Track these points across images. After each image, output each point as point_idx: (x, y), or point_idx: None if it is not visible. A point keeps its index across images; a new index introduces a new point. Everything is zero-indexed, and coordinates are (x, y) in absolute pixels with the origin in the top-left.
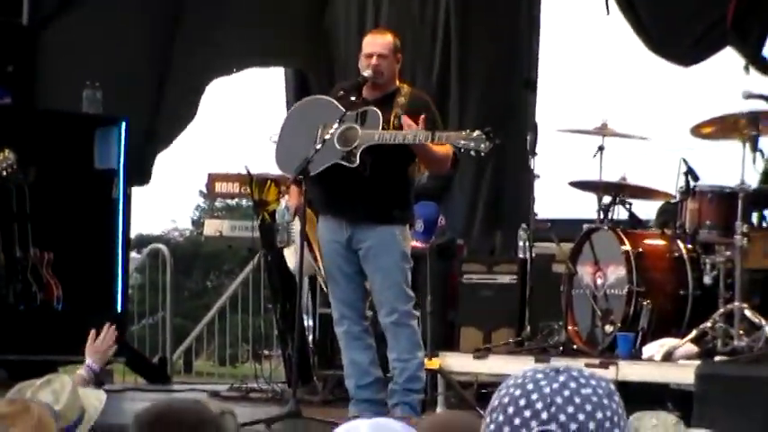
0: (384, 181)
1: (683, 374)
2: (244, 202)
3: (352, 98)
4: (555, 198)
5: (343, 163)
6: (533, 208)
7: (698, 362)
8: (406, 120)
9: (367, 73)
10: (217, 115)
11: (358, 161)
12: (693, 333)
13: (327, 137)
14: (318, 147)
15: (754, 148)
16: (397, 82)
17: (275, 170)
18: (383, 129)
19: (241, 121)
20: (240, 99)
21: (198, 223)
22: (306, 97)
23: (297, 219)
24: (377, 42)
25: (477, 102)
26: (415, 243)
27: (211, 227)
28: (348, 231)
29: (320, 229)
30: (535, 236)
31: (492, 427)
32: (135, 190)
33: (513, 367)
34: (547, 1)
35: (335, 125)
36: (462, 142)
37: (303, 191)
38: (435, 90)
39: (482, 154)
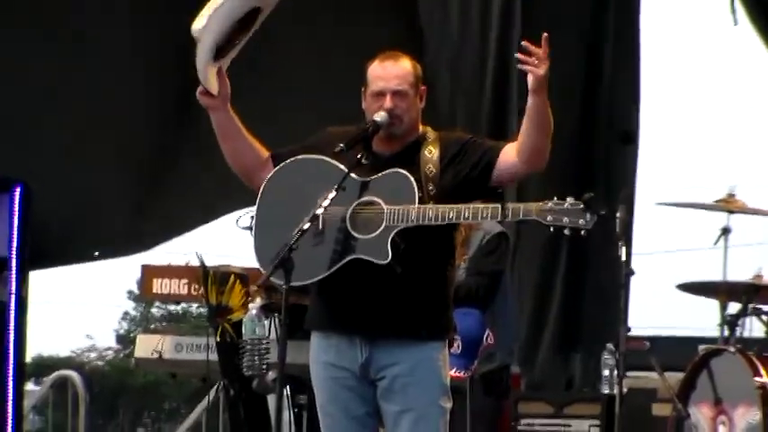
0: (418, 279)
1: None
2: (194, 307)
3: (359, 155)
4: (657, 305)
5: (367, 258)
6: (626, 320)
7: None
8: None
9: (379, 118)
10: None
11: (390, 254)
12: None
13: (321, 211)
14: (306, 227)
15: None
16: (420, 126)
17: (245, 261)
18: (419, 201)
19: None
20: None
21: (126, 340)
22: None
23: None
24: (390, 74)
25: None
26: (450, 371)
27: (146, 345)
28: (364, 353)
29: (314, 350)
30: (627, 362)
31: None
32: (36, 283)
33: None
34: (649, 29)
35: (331, 195)
36: (550, 217)
37: (285, 291)
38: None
39: (582, 233)
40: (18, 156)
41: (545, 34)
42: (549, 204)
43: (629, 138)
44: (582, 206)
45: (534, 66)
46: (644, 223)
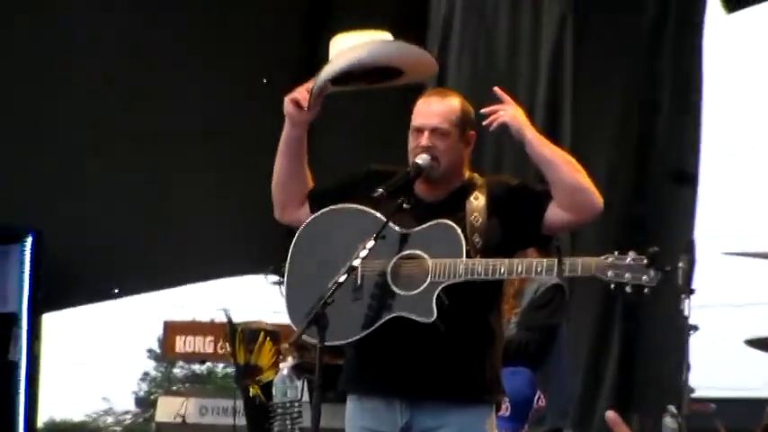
0: (463, 336)
1: None
2: (220, 367)
3: (400, 200)
4: (722, 364)
5: (410, 317)
6: (687, 379)
7: None
8: None
9: (421, 161)
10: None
11: (435, 312)
12: None
13: (358, 263)
14: (342, 279)
15: None
16: (467, 172)
17: (278, 317)
18: (468, 254)
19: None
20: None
21: (145, 403)
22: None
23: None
24: (433, 110)
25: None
26: None
27: (168, 408)
28: (405, 417)
29: (350, 414)
30: (691, 425)
31: None
32: (49, 342)
33: None
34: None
35: (369, 244)
36: (611, 273)
37: (318, 349)
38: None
39: (645, 290)
40: (30, 199)
41: (495, 88)
42: (610, 259)
43: (685, 178)
44: (646, 261)
45: (498, 116)
46: (709, 274)
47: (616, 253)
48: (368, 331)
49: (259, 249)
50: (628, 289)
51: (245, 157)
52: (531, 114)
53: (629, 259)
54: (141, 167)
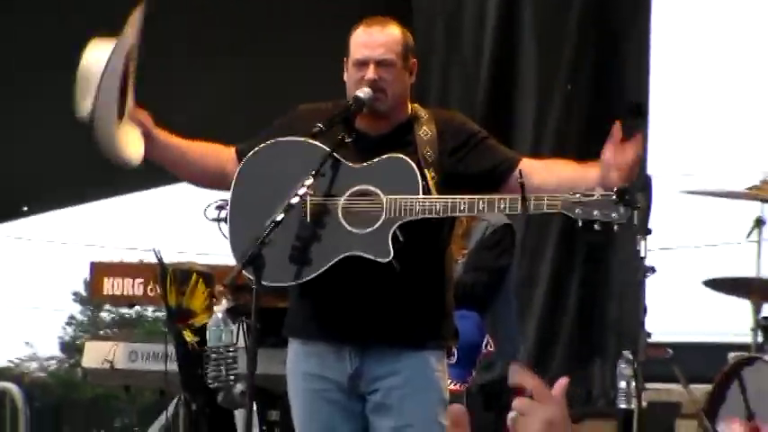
0: (417, 279)
1: None
2: (150, 310)
3: (341, 135)
4: (680, 306)
5: (365, 256)
6: (644, 324)
7: None
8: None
9: (362, 94)
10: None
11: (391, 251)
12: None
13: (296, 200)
14: (280, 218)
15: None
16: (410, 105)
17: (210, 258)
18: (423, 190)
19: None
20: None
21: (71, 348)
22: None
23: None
24: (376, 41)
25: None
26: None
27: (95, 354)
28: (354, 363)
29: (292, 358)
30: (647, 372)
31: None
32: None
33: None
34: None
35: (308, 182)
36: (578, 210)
37: (255, 292)
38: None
39: (614, 228)
40: None
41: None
42: (578, 195)
43: (639, 110)
44: (614, 197)
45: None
46: (666, 214)
47: (585, 189)
48: (320, 271)
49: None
50: (596, 227)
51: None
52: (480, 37)
53: (596, 195)
54: None
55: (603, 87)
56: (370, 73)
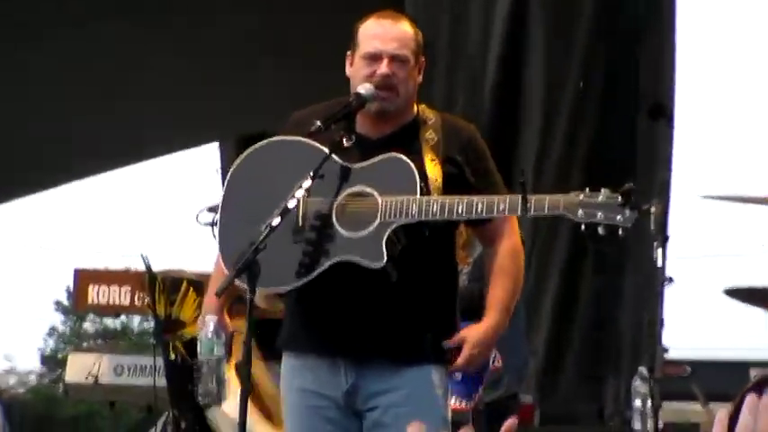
0: (419, 288)
1: None
2: (136, 321)
3: (339, 136)
4: (700, 320)
5: (356, 261)
6: (660, 339)
7: None
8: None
9: (364, 90)
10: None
11: (385, 256)
12: None
13: (293, 204)
14: (276, 222)
15: None
16: (415, 105)
17: (201, 265)
18: (421, 191)
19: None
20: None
21: (53, 361)
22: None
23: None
24: (390, 34)
25: (563, 142)
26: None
27: (78, 367)
28: (349, 379)
29: (287, 373)
30: (664, 389)
31: None
32: None
33: None
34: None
35: (306, 184)
36: (581, 212)
37: (249, 301)
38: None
39: (620, 232)
40: None
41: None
42: (581, 197)
43: (660, 111)
44: (620, 199)
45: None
46: (686, 220)
47: (587, 190)
48: (307, 278)
49: None
50: (600, 230)
51: None
52: (486, 41)
53: (601, 197)
54: None
55: (616, 87)
56: (384, 68)
